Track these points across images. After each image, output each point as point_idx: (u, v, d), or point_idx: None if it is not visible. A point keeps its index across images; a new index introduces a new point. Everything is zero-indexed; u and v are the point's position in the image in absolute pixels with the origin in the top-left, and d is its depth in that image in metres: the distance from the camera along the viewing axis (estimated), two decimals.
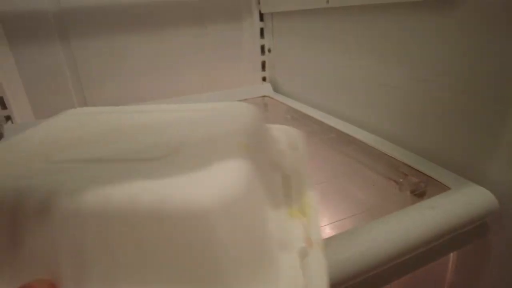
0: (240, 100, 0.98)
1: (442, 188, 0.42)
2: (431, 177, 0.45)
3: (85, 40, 0.79)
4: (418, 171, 0.47)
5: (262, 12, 0.93)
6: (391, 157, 0.51)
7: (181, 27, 0.87)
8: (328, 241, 0.32)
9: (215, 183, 0.20)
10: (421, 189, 0.44)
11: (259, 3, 0.93)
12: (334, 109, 0.70)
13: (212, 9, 0.89)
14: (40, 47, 0.76)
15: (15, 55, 0.74)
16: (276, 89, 0.97)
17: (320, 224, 0.26)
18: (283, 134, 0.38)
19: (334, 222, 0.40)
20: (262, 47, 0.98)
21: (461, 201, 0.38)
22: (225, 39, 0.93)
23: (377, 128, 0.58)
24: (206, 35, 0.90)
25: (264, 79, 1.01)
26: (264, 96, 0.94)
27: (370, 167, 0.52)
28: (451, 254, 0.47)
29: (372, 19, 0.56)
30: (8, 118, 0.74)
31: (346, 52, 0.64)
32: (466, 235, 0.39)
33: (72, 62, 0.79)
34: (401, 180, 0.46)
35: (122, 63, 0.83)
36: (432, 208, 0.36)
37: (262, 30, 0.96)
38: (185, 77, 0.90)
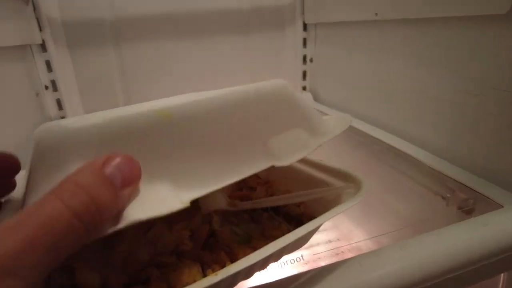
0: None
1: (493, 205, 0.41)
2: (481, 194, 0.43)
3: (135, 45, 0.83)
4: (467, 187, 0.45)
5: (306, 22, 0.94)
6: (439, 171, 0.50)
7: (225, 35, 0.89)
8: (374, 254, 0.32)
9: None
10: (470, 205, 0.43)
11: (303, 13, 0.94)
12: (378, 121, 0.70)
13: (256, 18, 0.91)
14: (95, 52, 0.80)
15: (73, 59, 0.79)
16: (316, 98, 0.97)
17: None
18: None
19: (379, 236, 0.39)
20: (304, 57, 0.98)
21: None
22: (267, 48, 0.94)
23: (424, 142, 0.57)
24: (249, 43, 0.92)
25: (304, 88, 1.01)
26: None
27: (416, 181, 0.51)
28: (502, 275, 0.45)
29: (424, 31, 0.55)
30: (62, 118, 0.79)
31: (394, 63, 0.63)
32: None
33: (121, 66, 0.83)
34: (448, 195, 0.45)
35: (167, 69, 0.87)
36: (485, 225, 0.35)
37: (304, 39, 0.96)
38: (228, 84, 0.92)
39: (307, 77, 1.00)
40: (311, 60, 0.98)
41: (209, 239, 0.30)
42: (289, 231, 0.33)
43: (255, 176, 0.42)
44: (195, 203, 0.30)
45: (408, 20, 0.58)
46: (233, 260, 0.27)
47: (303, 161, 0.39)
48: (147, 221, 0.27)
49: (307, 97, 0.97)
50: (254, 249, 0.29)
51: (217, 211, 0.34)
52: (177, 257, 0.26)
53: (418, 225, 0.42)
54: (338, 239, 0.41)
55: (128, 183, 0.18)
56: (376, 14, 0.63)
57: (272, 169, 0.43)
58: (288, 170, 0.40)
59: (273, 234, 0.32)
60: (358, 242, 0.41)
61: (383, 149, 0.60)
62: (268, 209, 0.36)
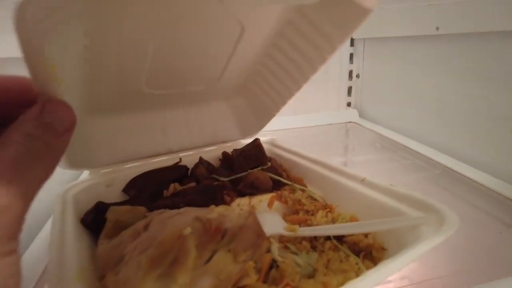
0: (324, 125, 0.96)
1: None
2: None
3: None
4: None
5: (353, 37, 0.91)
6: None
7: None
8: None
9: None
10: None
11: None
12: (433, 141, 0.64)
13: None
14: None
15: None
16: (362, 115, 0.93)
17: None
18: None
19: (444, 277, 0.35)
20: (350, 72, 0.95)
21: None
22: None
23: (490, 166, 0.52)
24: None
25: (349, 104, 0.97)
26: (350, 122, 0.90)
27: (487, 212, 0.45)
28: None
29: (491, 46, 0.50)
30: None
31: (454, 80, 0.59)
32: None
33: None
34: None
35: None
36: None
37: (351, 54, 0.93)
38: None
39: (353, 93, 0.96)
40: (357, 76, 0.94)
41: (270, 270, 0.27)
42: (357, 265, 0.30)
43: (312, 198, 0.39)
44: (261, 229, 0.27)
45: (472, 34, 0.54)
46: None
47: (369, 184, 0.36)
48: (208, 248, 0.25)
49: (352, 113, 0.92)
50: (324, 285, 0.25)
51: (274, 237, 0.31)
52: None
53: (490, 265, 0.37)
54: (401, 278, 0.37)
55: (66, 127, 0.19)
56: (438, 28, 0.59)
57: (331, 190, 0.40)
58: (351, 193, 0.37)
59: (340, 268, 0.28)
60: (422, 282, 0.37)
61: (445, 173, 0.55)
62: (331, 238, 0.32)
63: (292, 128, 0.88)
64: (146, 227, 0.28)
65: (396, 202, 0.32)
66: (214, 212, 0.28)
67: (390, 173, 0.59)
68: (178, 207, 0.33)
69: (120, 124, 0.42)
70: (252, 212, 0.31)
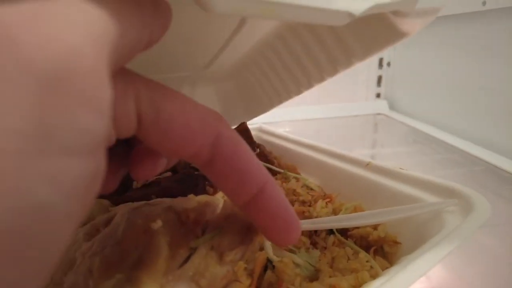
0: (350, 117, 0.90)
1: None
2: None
3: None
4: None
5: None
6: None
7: None
8: None
9: None
10: None
11: None
12: (476, 137, 0.57)
13: None
14: None
15: None
16: (392, 106, 0.86)
17: None
18: None
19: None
20: (380, 60, 0.88)
21: None
22: None
23: None
24: None
25: (378, 95, 0.91)
26: (379, 113, 0.84)
27: None
28: None
29: None
30: None
31: (503, 66, 0.52)
32: None
33: None
34: None
35: None
36: None
37: None
38: None
39: (383, 83, 0.89)
40: (388, 64, 0.87)
41: (264, 272, 0.22)
42: (368, 263, 0.25)
43: (307, 187, 0.34)
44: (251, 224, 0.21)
45: None
46: None
47: (375, 169, 0.31)
48: (184, 246, 0.19)
49: (381, 104, 0.87)
50: None
51: None
52: None
53: None
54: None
55: None
56: (484, 3, 0.53)
57: (330, 177, 0.35)
58: (354, 180, 0.32)
59: (349, 267, 0.23)
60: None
61: (488, 170, 0.48)
62: (334, 232, 0.27)
63: (312, 119, 0.79)
64: (107, 224, 0.23)
65: (409, 188, 0.28)
66: (193, 200, 0.22)
67: (422, 168, 0.52)
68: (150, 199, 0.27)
69: None
70: None
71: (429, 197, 0.26)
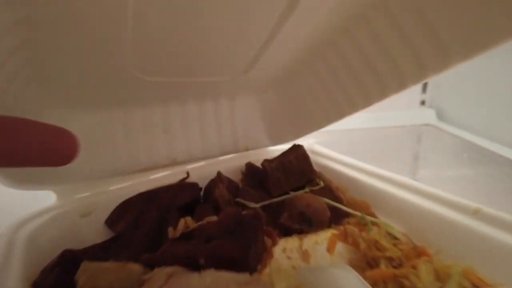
0: (390, 128, 0.80)
1: None
2: None
3: None
4: None
5: None
6: None
7: None
8: None
9: None
10: None
11: None
12: None
13: None
14: None
15: None
16: (441, 116, 0.77)
17: None
18: None
19: None
20: None
21: None
22: None
23: None
24: None
25: (423, 103, 0.82)
26: (425, 124, 0.74)
27: None
28: None
29: None
30: None
31: None
32: None
33: None
34: None
35: None
36: None
37: None
38: None
39: (428, 89, 0.81)
40: None
41: None
42: None
43: (390, 235, 0.26)
44: None
45: None
46: None
47: (485, 217, 0.23)
48: None
49: (427, 114, 0.77)
50: None
51: None
52: None
53: None
54: None
55: None
56: None
57: (416, 220, 0.27)
58: (451, 229, 0.24)
59: None
60: None
61: None
62: None
63: (344, 130, 0.70)
64: None
65: None
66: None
67: (487, 196, 0.42)
68: (196, 262, 0.20)
69: (103, 123, 0.29)
70: None
71: None
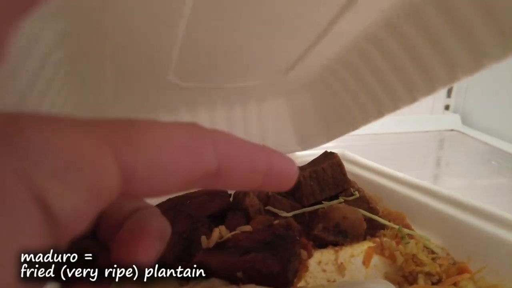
0: (413, 133, 0.76)
1: None
2: None
3: None
4: None
5: None
6: None
7: None
8: None
9: None
10: None
11: None
12: None
13: None
14: None
15: None
16: (466, 121, 0.75)
17: None
18: None
19: None
20: None
21: None
22: None
23: None
24: None
25: (447, 108, 0.80)
26: (450, 129, 0.72)
27: None
28: None
29: None
30: None
31: None
32: None
33: None
34: None
35: None
36: None
37: None
38: None
39: (454, 93, 0.78)
40: None
41: None
42: None
43: (427, 249, 0.26)
44: None
45: None
46: None
47: None
48: None
49: (452, 119, 0.75)
50: None
51: None
52: None
53: None
54: None
55: None
56: None
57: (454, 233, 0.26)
58: (494, 244, 0.24)
59: None
60: None
61: None
62: None
63: (366, 134, 0.66)
64: None
65: None
66: None
67: None
68: (234, 275, 0.20)
69: None
70: None
71: None
